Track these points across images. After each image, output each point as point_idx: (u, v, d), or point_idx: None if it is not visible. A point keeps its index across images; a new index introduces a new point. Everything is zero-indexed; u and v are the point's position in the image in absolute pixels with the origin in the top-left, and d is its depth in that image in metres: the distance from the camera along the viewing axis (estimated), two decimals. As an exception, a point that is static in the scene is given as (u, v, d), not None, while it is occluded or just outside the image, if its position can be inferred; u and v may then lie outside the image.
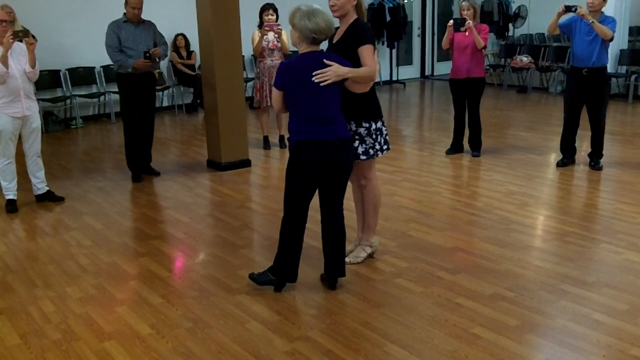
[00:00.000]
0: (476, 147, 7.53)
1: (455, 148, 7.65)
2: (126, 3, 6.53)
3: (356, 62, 3.94)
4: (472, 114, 7.42)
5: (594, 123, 6.74)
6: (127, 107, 6.83)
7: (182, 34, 11.00)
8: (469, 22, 6.91)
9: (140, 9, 6.53)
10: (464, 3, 7.05)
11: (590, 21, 6.24)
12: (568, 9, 6.29)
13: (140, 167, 7.00)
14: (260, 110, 8.19)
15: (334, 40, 4.16)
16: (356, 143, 4.15)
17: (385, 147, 4.31)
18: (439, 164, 7.32)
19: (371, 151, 4.21)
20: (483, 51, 7.17)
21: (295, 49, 4.46)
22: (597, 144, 6.80)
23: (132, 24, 6.56)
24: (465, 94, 7.34)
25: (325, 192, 3.98)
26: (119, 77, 6.77)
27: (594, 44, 6.38)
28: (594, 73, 6.48)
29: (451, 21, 7.03)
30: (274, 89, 3.93)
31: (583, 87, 6.57)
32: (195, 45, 10.68)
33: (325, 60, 3.80)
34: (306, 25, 3.76)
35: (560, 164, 6.92)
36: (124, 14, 6.57)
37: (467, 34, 7.01)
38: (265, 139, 8.27)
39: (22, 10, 8.83)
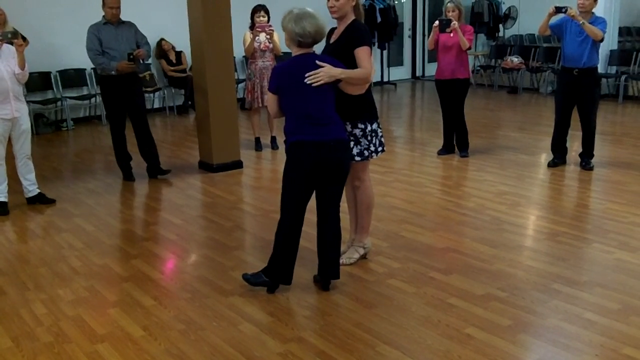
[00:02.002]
0: (464, 148, 7.57)
1: (447, 149, 7.67)
2: (103, 4, 6.46)
3: (352, 63, 3.94)
4: (457, 115, 7.47)
5: (585, 123, 6.76)
6: (111, 109, 6.80)
7: (163, 39, 10.93)
8: (455, 23, 6.94)
9: (119, 8, 6.47)
10: (449, 4, 7.10)
11: (581, 22, 6.27)
12: (558, 9, 6.31)
13: (150, 171, 7.00)
14: (252, 112, 8.18)
15: (331, 41, 4.16)
16: (351, 144, 4.14)
17: (380, 148, 4.31)
18: (430, 164, 7.33)
19: (366, 152, 4.21)
20: (467, 52, 7.23)
21: (287, 51, 4.46)
22: (588, 144, 6.82)
23: (112, 25, 6.50)
24: (450, 95, 7.39)
25: (322, 193, 3.97)
26: (102, 80, 6.72)
27: (585, 45, 6.40)
28: (584, 73, 6.50)
29: (437, 22, 7.08)
30: (269, 92, 3.94)
31: (574, 87, 6.59)
32: (182, 46, 10.68)
33: (317, 62, 3.80)
34: (292, 29, 3.77)
35: (551, 164, 6.95)
36: (103, 15, 6.52)
37: (451, 34, 7.06)
38: (257, 140, 8.25)
39: (12, 11, 8.78)
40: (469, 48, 7.14)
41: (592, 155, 6.87)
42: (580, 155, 6.93)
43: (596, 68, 6.61)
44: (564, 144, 6.95)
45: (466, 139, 7.55)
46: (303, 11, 3.81)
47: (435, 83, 7.55)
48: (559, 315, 3.71)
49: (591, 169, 6.77)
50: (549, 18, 6.48)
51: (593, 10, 6.43)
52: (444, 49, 7.22)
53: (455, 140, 7.61)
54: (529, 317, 3.69)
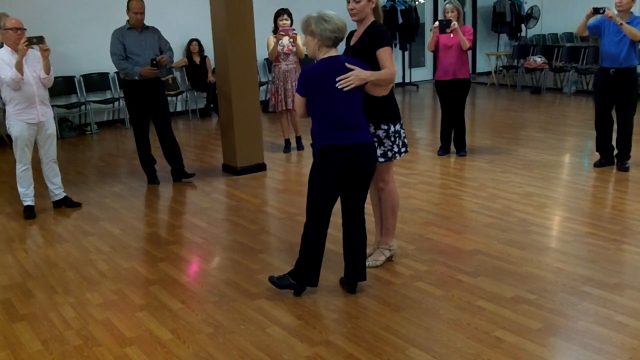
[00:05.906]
0: (462, 147, 7.64)
1: (446, 149, 7.74)
2: (128, 9, 6.52)
3: (374, 65, 3.93)
4: (458, 115, 7.51)
5: (621, 124, 6.66)
6: (134, 113, 6.84)
7: (196, 39, 11.00)
8: (455, 24, 6.94)
9: (143, 13, 6.52)
10: (447, 5, 7.12)
11: (619, 23, 6.18)
12: (596, 11, 6.24)
13: (174, 174, 7.02)
14: (279, 115, 8.19)
15: (352, 43, 4.15)
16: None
17: (403, 149, 4.30)
18: (454, 165, 7.29)
19: (389, 154, 4.19)
20: (467, 52, 7.26)
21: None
22: (624, 145, 6.69)
23: (136, 31, 6.55)
24: (452, 95, 7.40)
25: (348, 196, 3.96)
26: (125, 84, 6.78)
27: (622, 44, 6.31)
28: (621, 73, 6.40)
29: (436, 23, 7.10)
30: (296, 95, 3.93)
31: (611, 87, 6.49)
32: (208, 51, 10.72)
33: (347, 65, 3.79)
34: (326, 28, 3.74)
35: (597, 164, 6.84)
36: (127, 20, 6.57)
37: (451, 35, 7.05)
38: (287, 142, 8.27)
39: (37, 16, 8.90)
40: (470, 48, 7.17)
41: (629, 157, 6.73)
42: (616, 156, 6.80)
43: (634, 68, 6.49)
44: (609, 142, 6.81)
45: (464, 138, 7.64)
46: (321, 12, 3.82)
47: (435, 84, 7.65)
48: (590, 318, 3.66)
49: (627, 169, 6.65)
50: (587, 19, 6.40)
51: (631, 10, 6.34)
52: (445, 49, 7.27)
53: (454, 139, 7.68)
54: (559, 320, 3.65)
